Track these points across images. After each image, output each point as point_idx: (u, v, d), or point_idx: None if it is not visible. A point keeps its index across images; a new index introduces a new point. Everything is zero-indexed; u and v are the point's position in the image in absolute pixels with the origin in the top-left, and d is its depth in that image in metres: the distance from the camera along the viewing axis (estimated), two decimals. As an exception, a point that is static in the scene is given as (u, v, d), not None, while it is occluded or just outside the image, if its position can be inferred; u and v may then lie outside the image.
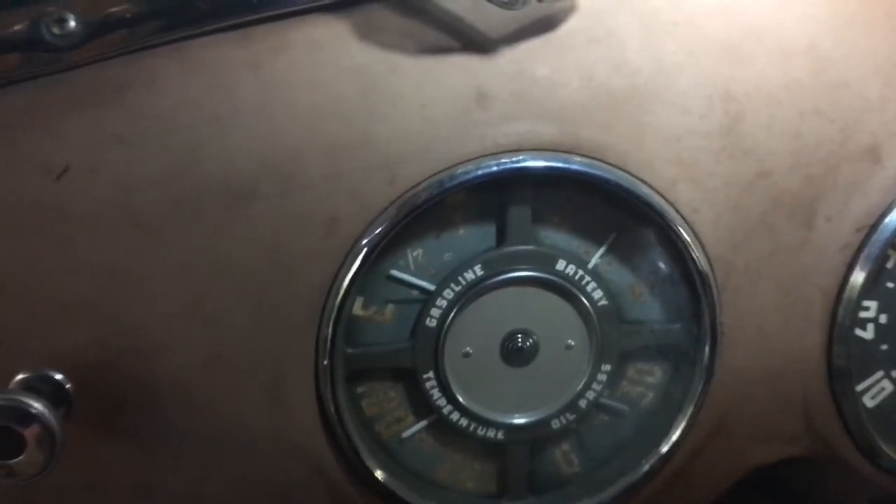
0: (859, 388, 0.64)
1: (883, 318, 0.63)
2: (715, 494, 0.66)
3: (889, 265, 0.62)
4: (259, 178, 0.52)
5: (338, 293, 0.55)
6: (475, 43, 0.54)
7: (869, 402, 0.65)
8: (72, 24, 0.53)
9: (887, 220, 0.59)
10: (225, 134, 0.52)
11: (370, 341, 0.58)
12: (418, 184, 0.54)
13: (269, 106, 0.52)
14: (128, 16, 0.53)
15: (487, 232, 0.58)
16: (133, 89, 0.52)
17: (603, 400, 0.62)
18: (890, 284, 0.62)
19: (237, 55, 0.53)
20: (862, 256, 0.59)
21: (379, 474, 0.59)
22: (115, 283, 0.53)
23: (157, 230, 0.52)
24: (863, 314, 0.62)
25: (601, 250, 0.59)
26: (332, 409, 0.57)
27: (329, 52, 0.53)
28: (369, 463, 0.58)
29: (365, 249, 0.54)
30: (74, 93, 0.52)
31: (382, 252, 0.56)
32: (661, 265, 0.60)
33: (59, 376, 0.54)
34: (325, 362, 0.56)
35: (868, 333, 0.63)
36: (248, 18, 0.54)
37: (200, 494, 0.58)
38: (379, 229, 0.54)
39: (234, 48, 0.53)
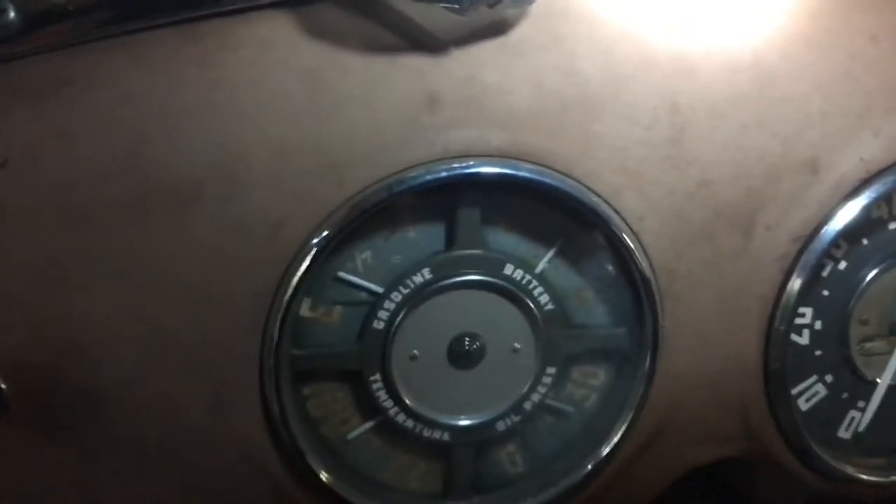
0: (794, 391, 0.66)
1: (818, 325, 0.65)
2: (655, 494, 0.68)
3: (824, 273, 0.64)
4: (205, 179, 0.52)
5: (285, 294, 0.54)
6: (426, 46, 0.54)
7: (803, 405, 0.67)
8: (11, 14, 0.51)
9: (823, 230, 0.61)
10: (170, 132, 0.51)
11: (317, 343, 0.58)
12: (367, 187, 0.54)
13: (215, 105, 0.52)
14: (70, 8, 0.52)
15: (436, 235, 0.58)
16: (75, 84, 0.51)
17: (548, 401, 0.63)
18: (825, 292, 0.64)
19: (184, 51, 0.52)
20: (798, 265, 0.61)
21: (324, 476, 0.59)
22: (54, 282, 0.52)
23: (98, 229, 0.51)
24: (798, 321, 0.64)
25: (548, 255, 0.60)
26: (276, 410, 0.56)
27: (278, 51, 0.53)
28: (314, 464, 0.58)
29: (314, 251, 0.54)
30: (13, 86, 0.51)
31: (331, 254, 0.55)
32: (607, 271, 0.61)
33: (-6, 377, 0.53)
34: (271, 363, 0.56)
35: (803, 339, 0.65)
36: (197, 14, 0.53)
37: (142, 497, 0.57)
38: (327, 231, 0.54)
39: (181, 44, 0.52)
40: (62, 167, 0.51)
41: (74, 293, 0.52)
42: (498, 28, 0.55)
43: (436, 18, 0.54)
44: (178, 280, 0.53)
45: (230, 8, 0.53)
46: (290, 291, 0.54)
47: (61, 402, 0.54)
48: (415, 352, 0.59)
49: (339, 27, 0.53)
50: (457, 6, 0.50)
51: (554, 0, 0.56)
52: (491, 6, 0.52)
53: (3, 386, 0.52)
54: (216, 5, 0.53)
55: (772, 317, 0.62)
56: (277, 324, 0.55)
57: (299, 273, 0.54)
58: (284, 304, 0.55)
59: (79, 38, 0.52)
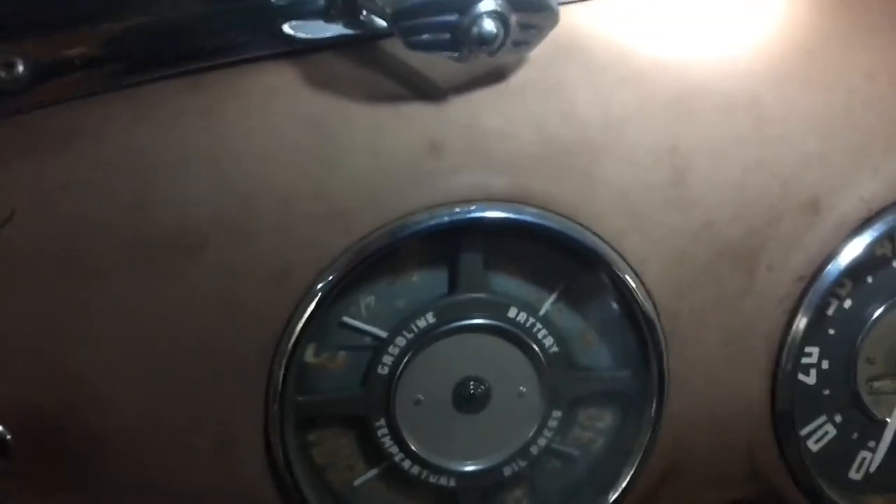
0: (803, 432, 0.65)
1: (825, 364, 0.64)
2: (664, 538, 0.67)
3: (829, 312, 0.64)
4: (210, 228, 0.52)
5: (289, 340, 0.55)
6: (427, 94, 0.55)
7: (813, 445, 0.66)
8: (20, 68, 0.52)
9: (827, 269, 0.61)
10: (175, 182, 0.52)
11: (322, 388, 0.58)
12: (371, 233, 0.54)
13: (220, 154, 0.52)
14: (77, 61, 0.53)
15: (440, 279, 0.58)
16: (82, 136, 0.52)
17: (554, 446, 0.62)
18: (831, 331, 0.64)
19: (189, 102, 0.53)
20: (803, 305, 0.61)
21: (329, 524, 0.58)
22: (59, 331, 0.52)
23: (103, 279, 0.51)
24: (805, 360, 0.63)
25: (552, 298, 0.60)
26: (281, 456, 0.56)
27: (282, 100, 0.53)
28: (319, 512, 0.58)
29: (318, 296, 0.54)
30: (20, 138, 0.51)
31: (335, 299, 0.56)
32: (611, 313, 0.61)
33: (-2, 426, 0.53)
34: (275, 409, 0.55)
35: (811, 379, 0.64)
36: (201, 65, 0.54)
37: None
38: (331, 276, 0.54)
39: (186, 95, 0.53)
40: (69, 218, 0.51)
41: (80, 343, 0.52)
42: (498, 74, 0.56)
43: (436, 66, 0.55)
44: (182, 328, 0.53)
45: (234, 59, 0.54)
46: (294, 337, 0.54)
47: (65, 450, 0.54)
48: (419, 396, 0.59)
49: (342, 76, 0.54)
50: (456, 54, 0.51)
51: (552, 46, 0.56)
52: (491, 54, 0.53)
53: (8, 436, 0.52)
54: (221, 56, 0.54)
55: (778, 357, 0.62)
56: (282, 370, 0.55)
57: (304, 319, 0.54)
58: (289, 350, 0.55)
59: (86, 90, 0.53)
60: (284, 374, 0.55)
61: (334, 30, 0.53)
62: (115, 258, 0.52)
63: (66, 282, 0.51)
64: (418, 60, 0.55)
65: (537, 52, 0.56)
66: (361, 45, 0.54)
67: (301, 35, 0.53)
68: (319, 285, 0.54)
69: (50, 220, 0.51)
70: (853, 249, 0.61)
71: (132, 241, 0.52)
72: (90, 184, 0.51)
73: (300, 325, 0.54)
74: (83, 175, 0.51)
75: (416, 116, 0.55)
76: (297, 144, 0.53)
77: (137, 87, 0.53)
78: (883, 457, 0.67)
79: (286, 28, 0.53)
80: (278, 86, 0.54)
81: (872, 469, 0.67)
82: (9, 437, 0.52)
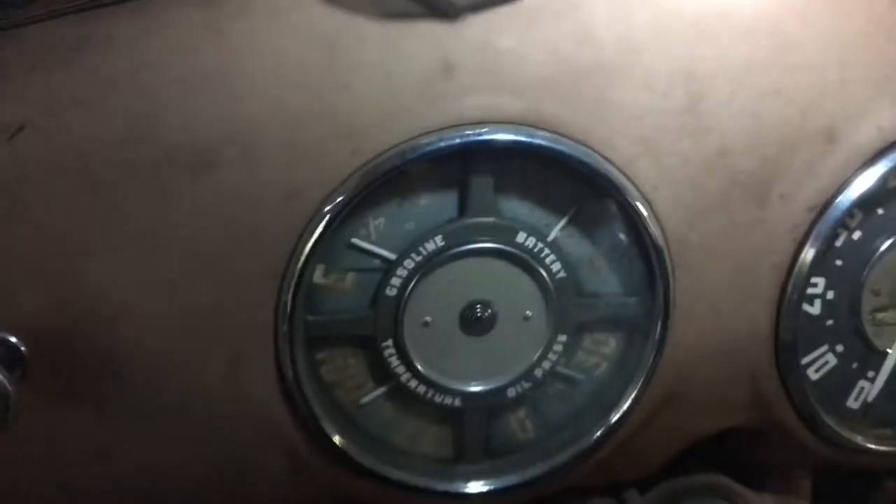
0: (804, 361, 0.66)
1: (830, 295, 0.65)
2: (662, 460, 0.69)
3: (838, 243, 0.64)
4: (220, 146, 0.52)
5: (298, 261, 0.55)
6: (441, 12, 0.54)
7: (813, 374, 0.67)
8: (25, -22, 0.51)
9: (838, 200, 0.60)
10: (185, 99, 0.51)
11: (331, 309, 0.59)
12: (381, 154, 0.54)
13: (230, 72, 0.52)
14: (85, -29, 0.52)
15: (449, 202, 0.58)
16: (90, 49, 0.51)
17: (558, 369, 0.63)
18: (838, 262, 0.64)
19: (198, 17, 0.52)
20: (812, 235, 0.61)
21: (337, 439, 0.60)
22: (72, 247, 0.52)
23: (114, 195, 0.52)
24: (811, 290, 0.64)
25: (561, 223, 0.60)
26: (290, 375, 0.57)
27: (292, 18, 0.52)
28: (327, 428, 0.59)
29: (327, 217, 0.54)
30: (28, 51, 0.51)
31: (344, 220, 0.56)
32: (619, 240, 0.61)
33: (13, 339, 0.53)
34: (285, 329, 0.56)
35: (815, 309, 0.65)
36: (210, -21, 0.52)
37: (159, 460, 0.58)
38: (340, 198, 0.54)
39: (194, 10, 0.52)
40: (79, 132, 0.51)
41: (92, 258, 0.53)
42: None
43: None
44: (193, 246, 0.54)
45: (244, -27, 0.52)
46: (303, 258, 0.55)
47: (79, 366, 0.55)
48: (427, 318, 0.59)
49: (354, -7, 0.53)
50: (471, -30, 0.50)
51: (570, -34, 0.55)
52: (506, -29, 0.52)
53: (22, 348, 0.53)
54: (230, -30, 0.53)
55: (784, 286, 0.62)
56: (291, 290, 0.55)
57: (313, 239, 0.54)
58: (298, 271, 0.55)
59: (93, 2, 0.52)
60: (293, 295, 0.55)
61: (347, -56, 0.52)
62: (125, 174, 0.51)
63: (76, 197, 0.51)
64: (432, -23, 0.53)
65: (553, -28, 0.55)
66: (374, -39, 0.52)
67: (312, -51, 0.52)
68: (328, 206, 0.54)
69: (59, 135, 0.51)
70: (866, 180, 0.60)
71: (142, 157, 0.51)
72: (99, 98, 0.51)
73: (309, 245, 0.55)
74: (91, 89, 0.51)
75: (429, 36, 0.54)
76: (308, 63, 0.53)
77: (146, 0, 0.52)
78: (881, 387, 0.68)
79: (297, -59, 0.51)
80: (289, 4, 0.52)
81: (870, 399, 0.69)
82: (23, 348, 0.53)
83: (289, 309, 0.56)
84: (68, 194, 0.51)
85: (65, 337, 0.54)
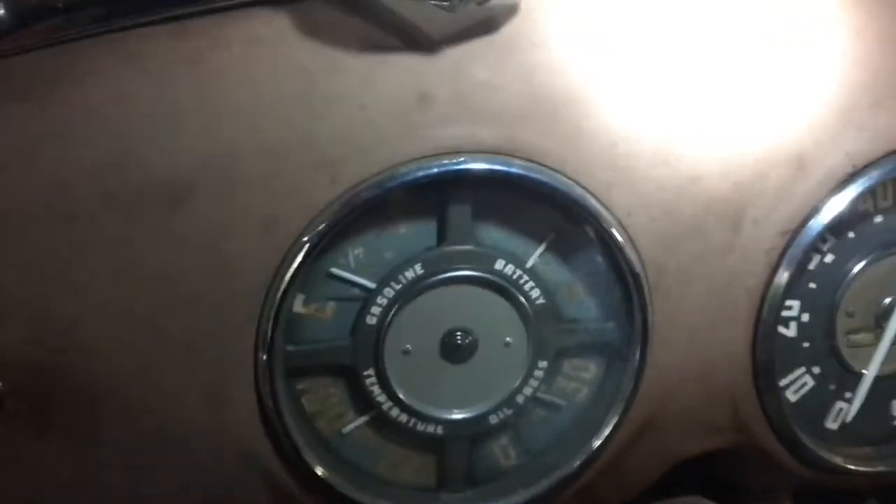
0: (782, 383, 0.67)
1: (805, 317, 0.66)
2: (645, 484, 0.69)
3: (811, 266, 0.65)
4: (197, 178, 0.52)
5: (278, 290, 0.55)
6: (417, 44, 0.55)
7: (791, 396, 0.68)
8: (1, 11, 0.51)
9: (810, 224, 0.61)
10: (161, 130, 0.52)
11: (311, 338, 0.59)
12: (359, 183, 0.54)
13: (206, 103, 0.52)
14: (59, 5, 0.52)
15: (428, 231, 0.59)
16: (65, 82, 0.51)
17: (540, 395, 0.63)
18: (812, 285, 0.65)
19: (175, 49, 0.52)
20: (786, 258, 0.62)
21: (319, 470, 0.59)
22: (47, 281, 0.52)
23: (90, 227, 0.51)
24: (786, 313, 0.65)
25: (539, 250, 0.60)
26: (271, 405, 0.57)
27: (269, 49, 0.53)
28: (309, 459, 0.59)
29: (306, 247, 0.55)
30: (3, 83, 0.51)
31: (323, 250, 0.56)
32: (597, 266, 0.61)
33: (-12, 375, 0.53)
34: (265, 359, 0.56)
35: (791, 331, 0.66)
36: (186, 11, 0.53)
37: (139, 494, 0.58)
38: (320, 227, 0.54)
39: (171, 42, 0.52)
40: (54, 165, 0.51)
41: (69, 291, 0.52)
42: (488, 25, 0.55)
43: (426, 16, 0.54)
44: (171, 277, 0.53)
45: (220, 5, 0.53)
46: (282, 288, 0.55)
47: (57, 400, 0.54)
48: (407, 346, 0.60)
49: (330, 25, 0.54)
50: (446, 3, 0.51)
51: (542, -2, 0.56)
52: (479, 3, 0.52)
53: (-1, 384, 0.53)
54: (207, 2, 0.53)
55: (760, 310, 0.63)
56: (271, 320, 0.55)
57: (292, 269, 0.55)
58: (277, 301, 0.55)
59: (69, 35, 0.52)
60: (273, 325, 0.55)
61: (322, -23, 0.53)
62: (101, 206, 0.51)
63: (51, 230, 0.51)
64: (408, 9, 0.54)
65: (527, 4, 0.56)
66: (349, -6, 0.53)
67: (288, -18, 0.52)
68: (307, 236, 0.54)
69: (35, 168, 0.51)
70: (836, 204, 0.62)
71: (118, 189, 0.51)
72: (75, 131, 0.51)
73: (288, 275, 0.55)
74: (67, 122, 0.51)
75: (405, 67, 0.54)
76: (285, 94, 0.53)
77: (122, 33, 0.52)
78: (858, 407, 0.68)
79: (273, -26, 0.52)
80: (265, 34, 0.53)
81: (848, 419, 0.69)
82: (0, 385, 0.53)
83: (269, 338, 0.56)
84: (43, 227, 0.51)
85: (41, 370, 0.53)
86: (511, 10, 0.56)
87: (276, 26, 0.53)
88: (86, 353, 0.53)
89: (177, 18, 0.52)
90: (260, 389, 0.57)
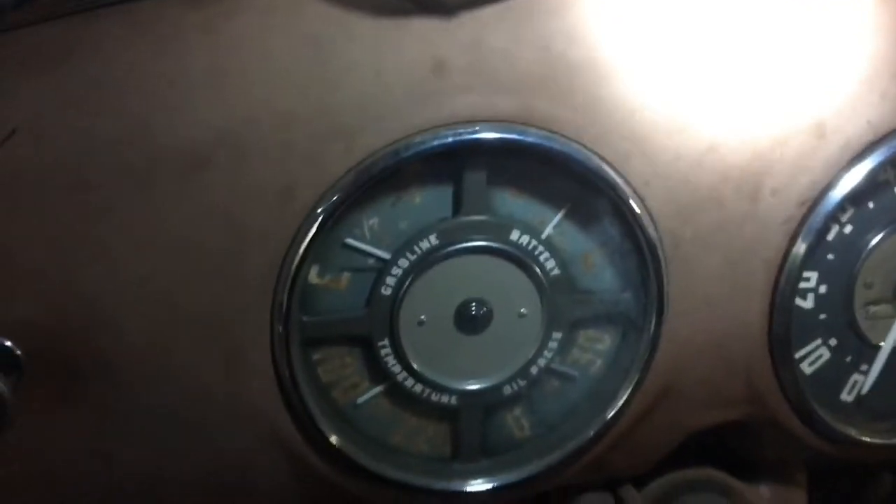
0: (798, 355, 0.66)
1: (822, 289, 0.65)
2: (659, 456, 0.69)
3: (829, 237, 0.64)
4: (213, 147, 0.52)
5: (293, 261, 0.55)
6: (433, 11, 0.54)
7: (807, 368, 0.67)
8: (9, -18, 0.51)
9: (829, 194, 0.61)
10: (176, 99, 0.51)
11: (326, 309, 0.59)
12: (374, 153, 0.54)
13: (221, 72, 0.52)
14: (72, -25, 0.52)
15: (443, 201, 0.58)
16: (80, 52, 0.51)
17: (554, 366, 0.63)
18: (830, 256, 0.65)
19: (187, 18, 0.52)
20: (804, 229, 0.61)
21: (334, 439, 0.60)
22: (66, 250, 0.52)
23: (107, 198, 0.51)
24: (803, 284, 0.64)
25: (555, 220, 0.60)
26: (287, 375, 0.57)
27: (283, 17, 0.52)
28: (324, 428, 0.59)
29: (321, 217, 0.54)
30: (18, 55, 0.51)
31: (338, 220, 0.56)
32: (613, 236, 0.61)
33: (8, 343, 0.53)
34: (281, 329, 0.56)
35: (808, 303, 0.65)
36: (201, -20, 0.52)
37: (157, 462, 0.58)
38: (335, 197, 0.54)
39: (184, 10, 0.52)
40: (70, 136, 0.51)
41: (87, 261, 0.52)
42: None
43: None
44: (188, 247, 0.54)
45: (234, -27, 0.53)
46: (298, 258, 0.55)
47: (76, 369, 0.55)
48: (422, 317, 0.60)
49: (344, -7, 0.53)
50: (462, -31, 0.50)
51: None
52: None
53: (18, 352, 0.53)
54: (220, -29, 0.53)
55: (777, 281, 0.62)
56: (286, 290, 0.55)
57: (307, 240, 0.55)
58: (293, 271, 0.55)
59: (81, 5, 0.52)
60: (289, 295, 0.56)
61: (337, -58, 0.52)
62: (118, 177, 0.51)
63: (69, 201, 0.51)
64: (422, -25, 0.53)
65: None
66: (365, -40, 0.53)
67: (303, -52, 0.52)
68: (322, 206, 0.54)
69: (51, 139, 0.51)
70: (856, 174, 0.61)
71: (134, 159, 0.51)
72: (89, 101, 0.51)
73: (303, 246, 0.55)
74: (81, 92, 0.51)
75: (421, 34, 0.54)
76: (299, 63, 0.53)
77: (134, 2, 0.52)
78: (874, 380, 0.68)
79: (288, -60, 0.52)
80: (279, 2, 0.52)
81: (864, 392, 0.69)
82: (19, 352, 0.53)
83: (284, 309, 0.56)
84: (60, 197, 0.51)
85: (60, 340, 0.54)
86: (527, -23, 0.55)
87: None
88: (104, 322, 0.54)
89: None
90: (276, 359, 0.57)
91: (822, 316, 0.66)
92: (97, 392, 0.56)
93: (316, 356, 0.60)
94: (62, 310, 0.53)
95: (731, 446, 0.73)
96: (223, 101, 0.52)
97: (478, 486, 0.64)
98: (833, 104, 0.60)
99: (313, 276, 0.58)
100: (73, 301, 0.53)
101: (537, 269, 0.60)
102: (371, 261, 0.58)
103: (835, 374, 0.69)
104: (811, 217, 0.61)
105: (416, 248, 0.58)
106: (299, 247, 0.55)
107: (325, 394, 0.61)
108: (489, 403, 0.63)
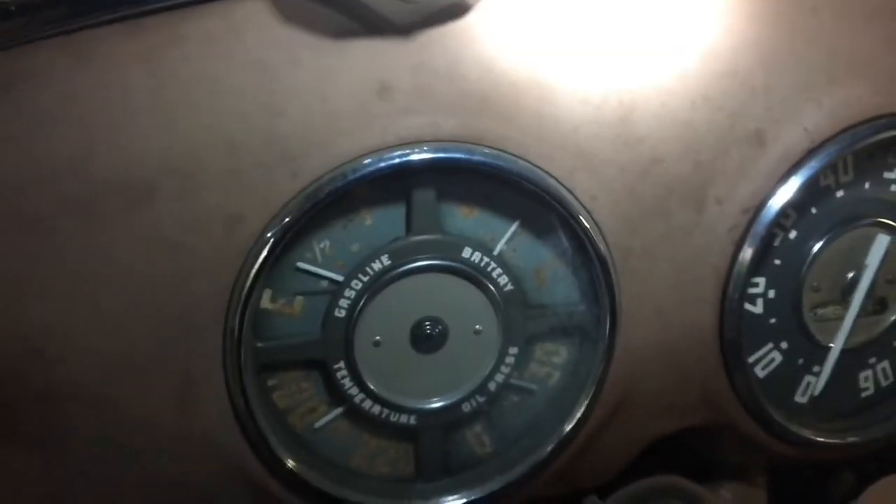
0: (751, 359, 0.67)
1: (771, 294, 0.67)
2: (621, 465, 0.69)
3: (776, 243, 0.65)
4: (157, 178, 0.52)
5: (244, 286, 0.55)
6: (376, 34, 0.54)
7: (760, 372, 0.68)
8: (-50, 16, 0.50)
9: (771, 201, 0.62)
10: (118, 131, 0.51)
11: (281, 334, 0.58)
12: (321, 177, 0.54)
13: (163, 102, 0.51)
14: (12, 7, 0.51)
15: (394, 221, 0.59)
16: (19, 84, 0.50)
17: (512, 381, 0.63)
18: (777, 261, 0.66)
19: (128, 48, 0.52)
20: (749, 236, 0.62)
21: (292, 465, 0.59)
22: (8, 286, 0.51)
23: (49, 232, 0.51)
24: (752, 290, 0.65)
25: (506, 237, 0.60)
26: (242, 404, 0.57)
27: (225, 44, 0.52)
28: (282, 455, 0.58)
29: (270, 242, 0.54)
30: None
31: (289, 244, 0.56)
32: (564, 250, 0.62)
33: (-48, 383, 0.52)
34: (234, 357, 0.56)
35: (758, 308, 0.67)
36: (140, 10, 0.52)
37: (114, 501, 0.57)
38: (284, 221, 0.54)
39: (124, 41, 0.52)
40: (10, 169, 0.50)
41: (30, 297, 0.52)
42: (447, 14, 0.55)
43: (386, 6, 0.54)
44: (135, 279, 0.53)
45: (174, 2, 0.52)
46: (248, 283, 0.54)
47: (24, 408, 0.54)
48: (377, 338, 0.60)
49: (287, 18, 0.53)
50: (405, -6, 0.51)
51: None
52: (437, -8, 0.52)
53: (-39, 393, 0.52)
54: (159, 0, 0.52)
55: (725, 287, 0.63)
56: (238, 317, 0.55)
57: (257, 265, 0.54)
58: (244, 297, 0.55)
59: (22, 37, 0.51)
60: (241, 321, 0.55)
61: (276, -31, 0.52)
62: (60, 210, 0.51)
63: (10, 235, 0.51)
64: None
65: (485, -9, 0.56)
66: (306, -15, 0.53)
67: (242, -25, 0.52)
68: (271, 231, 0.54)
69: None
70: (797, 181, 0.62)
71: (77, 192, 0.51)
72: (30, 134, 0.50)
73: (254, 271, 0.54)
74: (21, 125, 0.50)
75: (365, 58, 0.54)
76: (242, 90, 0.53)
77: (75, 34, 0.51)
78: (826, 380, 0.70)
79: (226, -32, 0.52)
80: (220, 30, 0.52)
81: (817, 392, 0.70)
82: (-37, 393, 0.52)
83: (237, 336, 0.55)
84: (2, 234, 0.50)
85: (6, 379, 0.53)
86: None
87: (230, 21, 0.52)
88: (50, 358, 0.53)
89: (129, 17, 0.52)
90: (230, 388, 0.56)
91: (773, 320, 0.67)
92: (46, 432, 0.55)
93: (271, 382, 0.59)
94: (7, 348, 0.52)
95: (692, 451, 0.74)
96: (167, 130, 0.52)
97: (441, 505, 0.64)
98: (771, 114, 0.61)
99: (266, 301, 0.57)
100: (17, 338, 0.52)
101: (490, 286, 0.60)
102: (324, 283, 0.58)
103: (788, 377, 0.70)
104: (755, 224, 0.62)
105: (368, 270, 0.58)
106: (249, 272, 0.54)
107: (281, 420, 0.60)
108: (449, 421, 0.63)
